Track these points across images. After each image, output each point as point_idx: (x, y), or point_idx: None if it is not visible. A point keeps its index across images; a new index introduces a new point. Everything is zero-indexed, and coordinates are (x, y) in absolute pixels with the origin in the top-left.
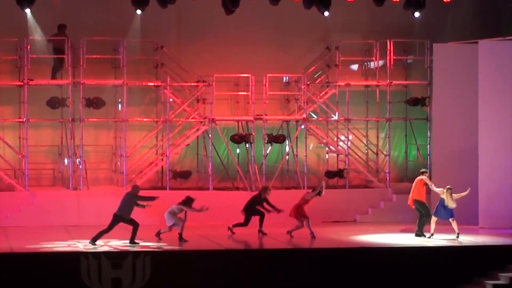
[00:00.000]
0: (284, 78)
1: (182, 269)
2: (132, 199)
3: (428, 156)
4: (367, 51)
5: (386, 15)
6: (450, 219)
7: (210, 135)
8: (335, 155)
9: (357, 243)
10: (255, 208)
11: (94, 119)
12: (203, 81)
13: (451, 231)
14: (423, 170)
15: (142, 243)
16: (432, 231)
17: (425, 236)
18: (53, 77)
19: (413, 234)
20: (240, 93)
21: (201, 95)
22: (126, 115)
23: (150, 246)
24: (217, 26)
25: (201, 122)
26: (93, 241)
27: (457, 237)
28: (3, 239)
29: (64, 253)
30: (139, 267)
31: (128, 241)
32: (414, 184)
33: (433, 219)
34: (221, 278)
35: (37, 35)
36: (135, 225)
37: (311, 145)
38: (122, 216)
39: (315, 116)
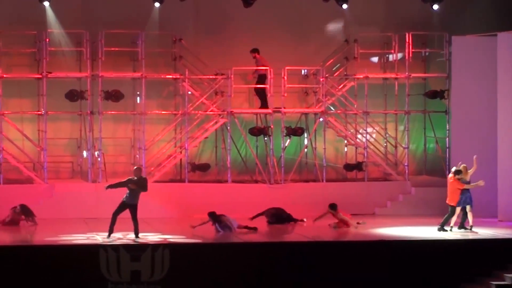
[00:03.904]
0: (303, 71)
1: (201, 261)
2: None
3: (447, 149)
4: (386, 43)
5: (405, 7)
6: (468, 207)
7: (228, 128)
8: (353, 148)
9: (376, 236)
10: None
11: (112, 112)
12: (222, 74)
13: (484, 224)
14: (456, 169)
15: (161, 236)
16: (452, 223)
17: (446, 230)
18: None
19: (435, 228)
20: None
21: (219, 88)
22: (145, 108)
23: (169, 238)
24: (235, 18)
25: (219, 115)
26: (109, 235)
27: (471, 228)
28: (23, 232)
29: (83, 245)
30: (158, 260)
31: (145, 234)
32: (448, 184)
33: (457, 209)
34: (240, 271)
35: (56, 28)
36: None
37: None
38: (129, 203)
39: (334, 109)
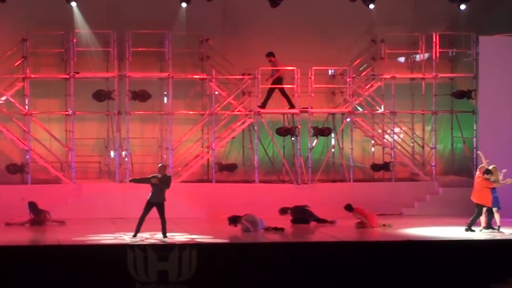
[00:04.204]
0: (330, 71)
1: (228, 261)
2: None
3: (474, 149)
4: (413, 43)
5: (432, 7)
6: (494, 209)
7: (255, 128)
8: (380, 148)
9: (403, 236)
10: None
11: (139, 112)
12: (249, 74)
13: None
14: (486, 169)
15: (188, 236)
16: (483, 224)
17: (474, 231)
18: None
19: (463, 228)
20: (285, 86)
21: (246, 88)
22: (172, 108)
23: (196, 238)
24: (262, 18)
25: (246, 115)
26: (135, 234)
27: (498, 229)
28: (50, 232)
29: (110, 245)
30: (185, 260)
31: (172, 234)
32: (475, 183)
33: (484, 210)
34: (267, 271)
35: (83, 29)
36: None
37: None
38: (155, 202)
39: (361, 109)
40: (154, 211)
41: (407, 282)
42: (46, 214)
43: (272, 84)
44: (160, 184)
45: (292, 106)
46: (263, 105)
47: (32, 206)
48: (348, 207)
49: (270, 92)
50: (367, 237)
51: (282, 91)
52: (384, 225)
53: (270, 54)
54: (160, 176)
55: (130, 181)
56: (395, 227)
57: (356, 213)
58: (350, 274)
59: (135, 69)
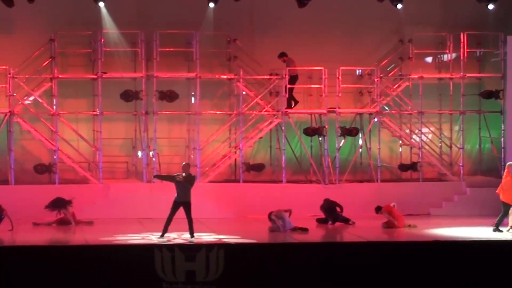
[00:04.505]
0: (357, 71)
1: (255, 261)
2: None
3: (502, 149)
4: (440, 43)
5: (460, 7)
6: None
7: (283, 128)
8: (408, 148)
9: (430, 236)
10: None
11: (167, 112)
12: (276, 74)
13: None
14: None
15: (216, 236)
16: (511, 223)
17: (502, 231)
18: None
19: (491, 228)
20: (313, 86)
21: (274, 88)
22: (199, 108)
23: (223, 239)
24: (290, 18)
25: (274, 115)
26: (162, 234)
27: (508, 230)
28: (78, 232)
29: (138, 245)
30: (213, 260)
31: (199, 234)
32: (503, 182)
33: (511, 210)
34: (294, 271)
35: (111, 29)
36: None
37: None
38: (181, 201)
39: (388, 109)
40: (181, 211)
41: (434, 282)
42: (69, 207)
43: (288, 82)
44: (185, 182)
45: (289, 106)
46: (289, 106)
47: (58, 202)
48: (377, 209)
49: (290, 91)
50: (393, 237)
51: (290, 89)
52: (409, 225)
53: (282, 55)
54: (184, 174)
55: (155, 176)
56: (423, 227)
57: (385, 211)
58: (377, 274)
59: (163, 69)
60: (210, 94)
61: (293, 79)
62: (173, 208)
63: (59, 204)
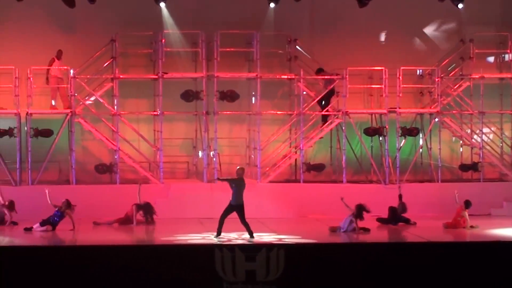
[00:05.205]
0: (418, 71)
1: (316, 261)
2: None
3: None
4: (501, 43)
5: None
6: None
7: (343, 128)
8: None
9: (492, 237)
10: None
11: (227, 112)
12: (337, 74)
13: None
14: None
15: (276, 236)
16: None
17: None
18: None
19: None
20: (373, 86)
21: (334, 88)
22: (260, 108)
23: (284, 239)
24: (350, 18)
25: (334, 115)
26: (217, 235)
27: None
28: (139, 231)
29: (198, 245)
30: (273, 260)
31: (259, 234)
32: None
33: None
34: (355, 271)
35: (172, 29)
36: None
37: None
38: (235, 205)
39: (449, 109)
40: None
41: (496, 283)
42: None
43: (326, 95)
44: (240, 186)
45: (324, 121)
46: (322, 108)
47: (146, 207)
48: (466, 204)
49: (327, 101)
50: (455, 237)
51: (326, 101)
52: (471, 226)
53: (320, 71)
54: (238, 178)
55: (217, 179)
56: (484, 227)
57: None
58: (439, 274)
59: (223, 69)
60: (271, 94)
61: (330, 93)
62: (227, 210)
63: (148, 209)
